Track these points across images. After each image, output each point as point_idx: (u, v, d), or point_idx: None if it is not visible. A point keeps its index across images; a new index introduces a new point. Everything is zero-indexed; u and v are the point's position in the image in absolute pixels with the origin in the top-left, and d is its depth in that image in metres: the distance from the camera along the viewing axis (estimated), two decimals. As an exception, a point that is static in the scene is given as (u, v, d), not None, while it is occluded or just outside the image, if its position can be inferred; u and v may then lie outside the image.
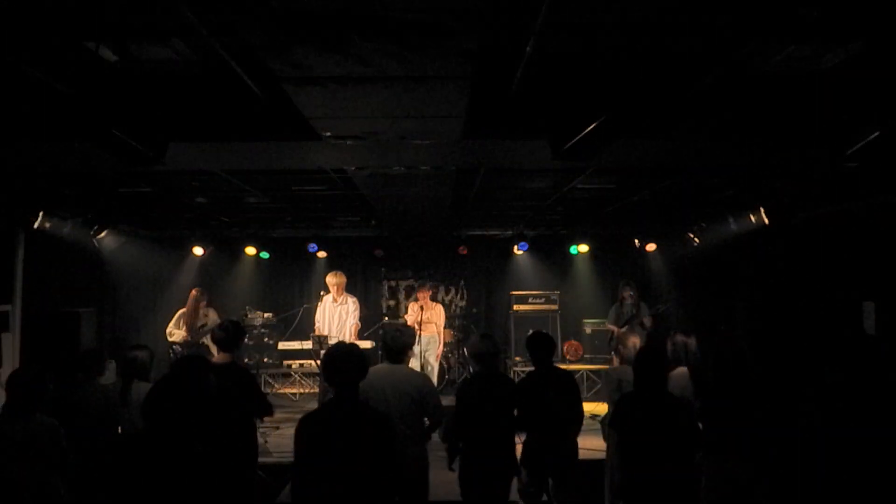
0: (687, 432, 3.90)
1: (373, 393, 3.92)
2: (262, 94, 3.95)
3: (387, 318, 11.05)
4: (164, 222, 9.20)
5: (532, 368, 4.73)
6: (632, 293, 8.77)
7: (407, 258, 11.64)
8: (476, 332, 9.17)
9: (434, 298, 10.09)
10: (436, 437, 4.53)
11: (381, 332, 10.31)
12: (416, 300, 9.20)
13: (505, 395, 4.45)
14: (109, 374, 6.24)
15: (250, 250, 10.13)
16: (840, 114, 3.71)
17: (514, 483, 4.54)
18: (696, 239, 9.10)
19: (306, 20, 2.57)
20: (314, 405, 8.49)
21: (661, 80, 3.81)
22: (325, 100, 3.47)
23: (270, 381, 10.13)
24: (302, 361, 9.46)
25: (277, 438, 7.13)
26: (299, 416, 3.16)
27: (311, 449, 2.99)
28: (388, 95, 3.43)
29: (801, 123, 4.21)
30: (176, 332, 8.12)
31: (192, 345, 7.91)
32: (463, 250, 11.16)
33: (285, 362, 9.65)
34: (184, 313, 8.25)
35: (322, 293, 8.70)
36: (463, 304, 11.73)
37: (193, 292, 8.44)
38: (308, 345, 8.90)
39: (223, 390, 3.85)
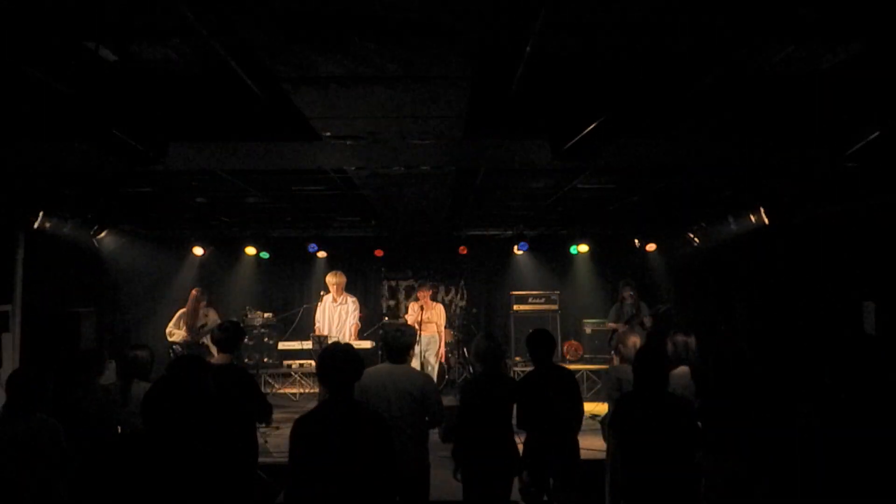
0: (687, 432, 3.90)
1: (374, 392, 3.93)
2: (262, 94, 3.95)
3: (387, 318, 11.05)
4: (164, 222, 9.20)
5: (532, 368, 4.73)
6: (632, 293, 8.77)
7: (407, 258, 11.65)
8: (476, 332, 9.17)
9: (434, 298, 10.09)
10: (436, 437, 4.53)
11: (381, 332, 10.33)
12: (417, 300, 9.20)
13: (507, 395, 4.45)
14: (109, 374, 6.24)
15: (250, 250, 10.13)
16: (840, 114, 3.71)
17: (516, 483, 4.54)
18: (696, 239, 9.10)
19: (306, 20, 2.57)
20: (314, 405, 8.48)
21: (661, 80, 3.81)
22: (325, 100, 3.47)
23: (270, 381, 10.13)
24: (302, 361, 9.47)
25: (277, 438, 7.13)
26: (305, 412, 3.15)
27: (306, 450, 2.97)
28: (388, 95, 3.43)
29: (801, 123, 4.20)
30: (176, 332, 8.13)
31: (192, 345, 7.92)
32: (463, 250, 11.16)
33: (285, 362, 9.65)
34: (184, 313, 8.26)
35: (322, 293, 8.71)
36: (463, 304, 11.73)
37: (193, 292, 8.45)
38: (308, 345, 8.91)
39: (222, 391, 3.86)
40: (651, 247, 10.00)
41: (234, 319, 4.73)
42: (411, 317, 8.88)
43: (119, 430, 4.52)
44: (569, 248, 10.74)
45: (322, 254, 10.20)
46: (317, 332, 8.45)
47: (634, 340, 4.92)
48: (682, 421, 3.88)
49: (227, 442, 3.82)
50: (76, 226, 7.90)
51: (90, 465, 4.00)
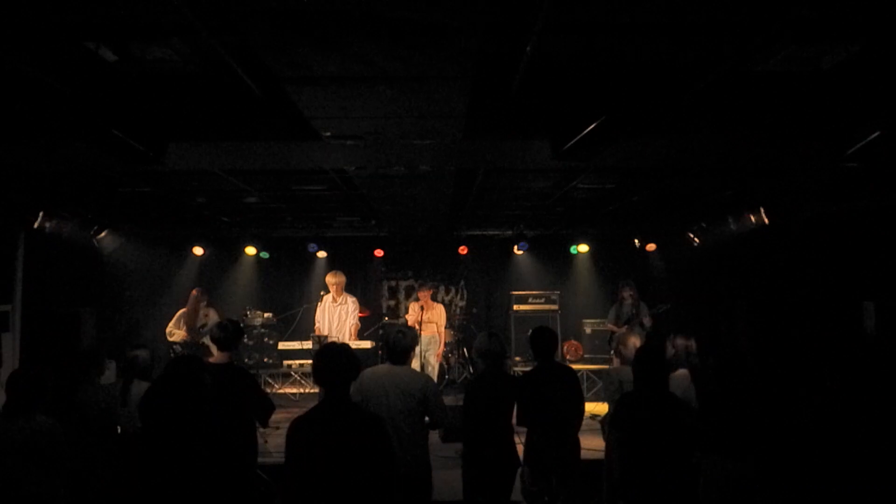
0: (686, 432, 3.91)
1: (373, 394, 3.92)
2: (262, 94, 3.95)
3: (387, 318, 11.06)
4: (164, 222, 9.20)
5: (530, 368, 4.72)
6: (632, 293, 8.76)
7: (407, 258, 11.65)
8: (476, 332, 9.17)
9: (434, 298, 10.09)
10: (436, 437, 4.52)
11: (381, 332, 10.33)
12: (417, 300, 9.20)
13: (510, 393, 4.45)
14: (109, 374, 6.25)
15: (250, 250, 10.13)
16: (840, 114, 3.70)
17: (517, 483, 4.53)
18: (696, 239, 9.10)
19: (306, 20, 2.57)
20: (314, 405, 8.47)
21: (661, 81, 3.82)
22: (325, 100, 3.47)
23: (270, 381, 10.13)
24: (302, 361, 9.46)
25: (277, 438, 7.12)
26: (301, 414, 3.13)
27: (302, 451, 2.93)
28: (388, 95, 3.43)
29: (801, 123, 4.20)
30: (176, 332, 8.13)
31: (192, 345, 7.91)
32: (463, 250, 11.16)
33: (285, 362, 9.65)
34: (184, 313, 8.26)
35: (322, 293, 8.71)
36: (463, 304, 11.73)
37: (194, 292, 8.45)
38: (308, 345, 8.90)
39: (221, 390, 3.86)
40: (651, 247, 9.99)
41: (234, 318, 4.72)
42: (411, 317, 8.88)
43: (119, 430, 4.52)
44: (569, 248, 10.74)
45: (322, 254, 10.20)
46: (317, 332, 8.45)
47: (634, 342, 4.92)
48: (681, 421, 3.89)
49: (225, 441, 3.82)
50: (76, 226, 7.90)
51: (90, 465, 4.01)
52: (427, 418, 4.13)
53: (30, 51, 3.37)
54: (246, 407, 4.32)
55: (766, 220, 7.09)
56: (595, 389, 9.33)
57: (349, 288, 8.70)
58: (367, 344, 8.42)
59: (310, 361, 9.16)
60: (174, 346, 7.96)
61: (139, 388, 4.44)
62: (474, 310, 11.52)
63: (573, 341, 10.23)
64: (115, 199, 7.26)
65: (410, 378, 4.06)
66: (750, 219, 7.44)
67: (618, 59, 3.40)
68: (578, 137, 3.32)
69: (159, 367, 4.90)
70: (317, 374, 3.11)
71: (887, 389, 4.92)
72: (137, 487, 2.41)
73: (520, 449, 4.48)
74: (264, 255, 10.38)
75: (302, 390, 9.88)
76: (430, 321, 8.73)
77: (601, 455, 4.77)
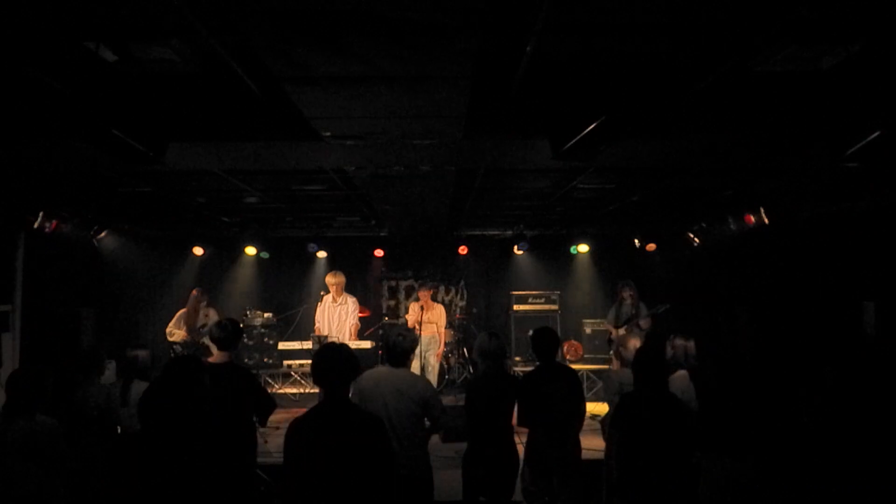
0: (686, 432, 3.91)
1: (372, 396, 3.91)
2: (262, 94, 3.95)
3: (387, 318, 11.06)
4: (164, 222, 9.20)
5: (530, 368, 4.72)
6: (631, 293, 8.77)
7: (407, 258, 11.65)
8: (477, 332, 9.17)
9: (434, 298, 10.10)
10: (436, 438, 4.52)
11: (381, 332, 10.33)
12: (417, 300, 9.20)
13: (511, 393, 4.45)
14: (109, 374, 6.25)
15: (250, 250, 10.13)
16: (840, 114, 3.70)
17: (518, 483, 4.53)
18: (696, 239, 9.10)
19: (306, 20, 2.57)
20: (314, 405, 8.48)
21: (661, 81, 3.81)
22: (325, 100, 3.47)
23: (270, 381, 10.13)
24: (302, 361, 9.47)
25: (277, 438, 7.12)
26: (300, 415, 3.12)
27: (300, 453, 2.91)
28: (388, 95, 3.43)
29: (801, 123, 4.20)
30: (176, 332, 8.13)
31: (192, 345, 7.92)
32: (463, 250, 11.16)
33: (285, 362, 9.65)
34: (184, 313, 8.26)
35: (322, 293, 8.71)
36: (463, 304, 11.73)
37: (194, 292, 8.46)
38: (308, 345, 8.90)
39: (221, 389, 3.86)
40: (651, 247, 9.99)
41: (233, 318, 4.72)
42: (412, 317, 8.87)
43: (119, 430, 4.52)
44: (569, 248, 10.74)
45: (322, 254, 10.20)
46: (317, 332, 8.45)
47: (635, 344, 4.92)
48: (681, 421, 3.89)
49: (224, 441, 3.82)
50: (76, 226, 7.90)
51: (90, 465, 4.01)
52: (427, 421, 4.13)
53: (30, 51, 3.37)
54: (245, 407, 4.32)
55: (766, 220, 7.09)
56: (595, 389, 9.33)
57: (349, 288, 8.70)
58: (367, 344, 8.42)
59: (310, 361, 9.18)
60: (174, 346, 7.97)
61: (139, 388, 4.44)
62: (474, 310, 11.52)
63: (573, 341, 10.23)
64: (115, 199, 7.26)
65: (409, 381, 4.06)
66: (749, 219, 7.44)
67: (618, 59, 3.40)
68: (578, 137, 3.32)
69: (159, 367, 4.90)
70: (316, 375, 3.09)
71: (887, 389, 4.92)
72: (137, 487, 2.40)
73: (520, 449, 4.47)
74: (264, 255, 10.38)
75: (302, 390, 9.88)
76: (430, 321, 8.73)
77: (601, 455, 4.77)
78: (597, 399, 8.57)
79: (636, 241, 10.05)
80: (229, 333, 4.44)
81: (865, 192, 5.61)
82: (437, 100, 3.50)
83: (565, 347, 10.07)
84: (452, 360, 10.19)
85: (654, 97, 3.92)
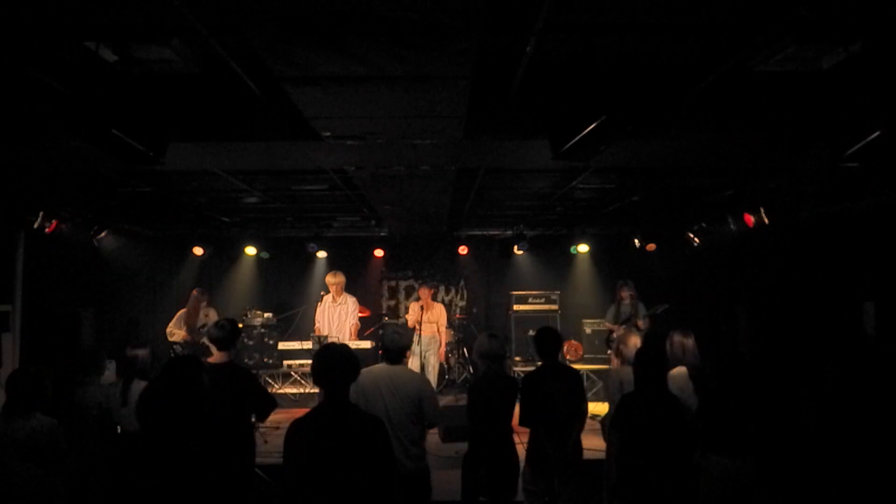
0: (686, 432, 3.91)
1: (370, 393, 3.92)
2: (262, 94, 3.95)
3: (387, 318, 11.06)
4: (164, 222, 9.21)
5: (531, 368, 4.72)
6: (631, 293, 8.77)
7: (407, 258, 11.65)
8: (476, 332, 9.17)
9: (434, 298, 10.10)
10: (436, 437, 4.52)
11: (380, 332, 10.32)
12: (418, 300, 9.20)
13: (511, 394, 4.45)
14: (109, 374, 6.26)
15: (250, 250, 10.13)
16: (840, 114, 3.70)
17: (520, 483, 4.53)
18: (696, 239, 9.10)
19: (306, 20, 2.57)
20: (314, 405, 8.48)
21: (661, 81, 3.81)
22: (325, 100, 3.46)
23: (270, 381, 10.13)
24: (302, 361, 9.47)
25: (277, 439, 7.12)
26: (300, 415, 3.11)
27: (300, 454, 2.90)
28: (388, 95, 3.43)
29: (801, 123, 4.20)
30: (176, 332, 8.13)
31: (192, 345, 7.92)
32: (463, 250, 11.16)
33: (285, 362, 9.65)
34: (184, 313, 8.26)
35: (322, 293, 8.71)
36: (463, 304, 11.73)
37: (194, 292, 8.46)
38: (308, 345, 8.91)
39: (220, 389, 3.86)
40: (651, 247, 9.99)
41: (231, 317, 4.71)
42: (412, 317, 8.88)
43: (119, 430, 4.52)
44: (569, 248, 10.74)
45: (322, 254, 10.20)
46: (317, 332, 8.46)
47: (635, 342, 4.92)
48: (681, 421, 3.89)
49: (223, 441, 3.81)
50: (76, 226, 7.91)
51: (90, 465, 4.01)
52: (425, 420, 4.14)
53: (30, 51, 3.37)
54: (245, 407, 4.32)
55: (766, 220, 7.09)
56: (595, 389, 9.33)
57: (349, 288, 8.71)
58: (366, 344, 8.42)
59: (310, 361, 9.19)
60: (174, 346, 7.97)
61: (139, 387, 4.44)
62: (474, 310, 11.52)
63: (573, 341, 10.23)
64: (115, 199, 7.26)
65: (407, 378, 4.07)
66: (749, 219, 7.44)
67: (618, 59, 3.40)
68: (578, 137, 3.31)
69: (159, 366, 4.89)
70: (316, 376, 3.08)
71: (887, 389, 4.92)
72: (137, 487, 2.40)
73: (520, 449, 4.47)
74: (264, 255, 10.38)
75: (302, 390, 9.88)
76: (431, 321, 8.73)
77: (601, 455, 4.77)
78: (597, 399, 8.57)
79: (636, 241, 10.05)
80: (227, 333, 4.44)
81: (865, 192, 5.60)
82: (437, 100, 3.50)
83: (565, 347, 10.07)
84: (452, 360, 10.19)
85: (654, 97, 3.92)
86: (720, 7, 2.97)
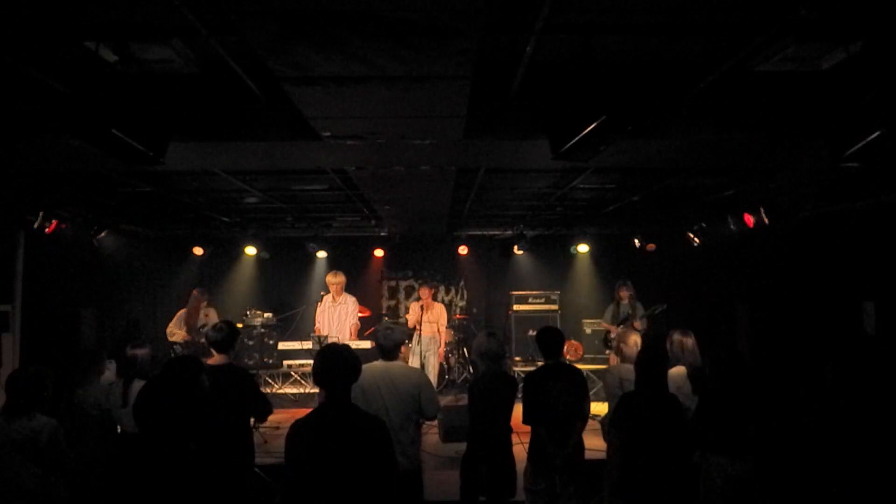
0: (685, 432, 3.91)
1: (369, 390, 3.92)
2: (262, 94, 3.95)
3: (387, 318, 11.06)
4: (164, 222, 9.21)
5: (531, 368, 4.72)
6: (630, 293, 8.77)
7: (407, 258, 11.66)
8: (476, 332, 9.17)
9: (434, 298, 10.11)
10: (436, 437, 4.52)
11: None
12: (418, 300, 9.20)
13: (510, 394, 4.45)
14: (109, 374, 6.24)
15: (250, 250, 10.14)
16: (840, 114, 3.70)
17: (521, 481, 4.53)
18: (696, 239, 9.10)
19: (306, 20, 2.57)
20: (314, 405, 8.49)
21: (661, 81, 3.81)
22: (325, 100, 3.46)
23: (270, 381, 10.13)
24: (302, 361, 9.48)
25: (277, 439, 7.12)
26: (300, 415, 3.11)
27: (302, 456, 2.89)
28: (388, 95, 3.43)
29: (801, 123, 4.21)
30: (177, 332, 8.13)
31: (192, 345, 7.92)
32: (463, 250, 11.17)
33: (285, 362, 9.66)
34: (184, 313, 8.26)
35: (322, 293, 8.71)
36: (463, 304, 11.74)
37: (194, 292, 8.47)
38: (308, 345, 8.91)
39: (219, 391, 3.86)
40: (651, 247, 9.99)
41: (228, 319, 4.71)
42: (412, 316, 8.88)
43: (119, 430, 4.52)
44: (569, 248, 10.75)
45: (322, 254, 10.21)
46: (317, 332, 8.46)
47: (636, 340, 4.93)
48: (681, 421, 3.90)
49: (222, 442, 3.81)
50: (76, 226, 7.91)
51: (90, 465, 4.01)
52: (422, 413, 4.15)
53: (30, 51, 3.37)
54: (244, 407, 4.32)
55: (766, 220, 7.08)
56: (595, 389, 9.33)
57: (349, 288, 8.71)
58: (367, 344, 8.41)
59: (309, 361, 9.22)
60: (175, 346, 7.97)
61: (139, 388, 4.42)
62: (474, 310, 11.53)
63: (573, 341, 10.23)
64: (115, 199, 7.26)
65: (405, 373, 4.07)
66: (749, 219, 7.44)
67: (618, 59, 3.40)
68: (578, 137, 3.31)
69: (159, 366, 4.88)
70: (317, 376, 3.06)
71: (887, 390, 4.92)
72: (137, 487, 2.40)
73: (520, 449, 4.47)
74: (264, 255, 10.38)
75: (302, 390, 9.89)
76: (431, 321, 8.73)
77: (602, 455, 4.77)
78: (597, 399, 8.58)
79: (636, 241, 10.05)
80: (226, 336, 4.43)
81: (865, 192, 5.60)
82: (437, 100, 3.50)
83: (565, 347, 10.08)
84: (452, 360, 10.19)
85: (654, 97, 3.92)
86: (720, 7, 2.97)
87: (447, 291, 11.79)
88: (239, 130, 4.28)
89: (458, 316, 10.95)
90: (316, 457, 2.86)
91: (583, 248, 10.60)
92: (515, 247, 9.94)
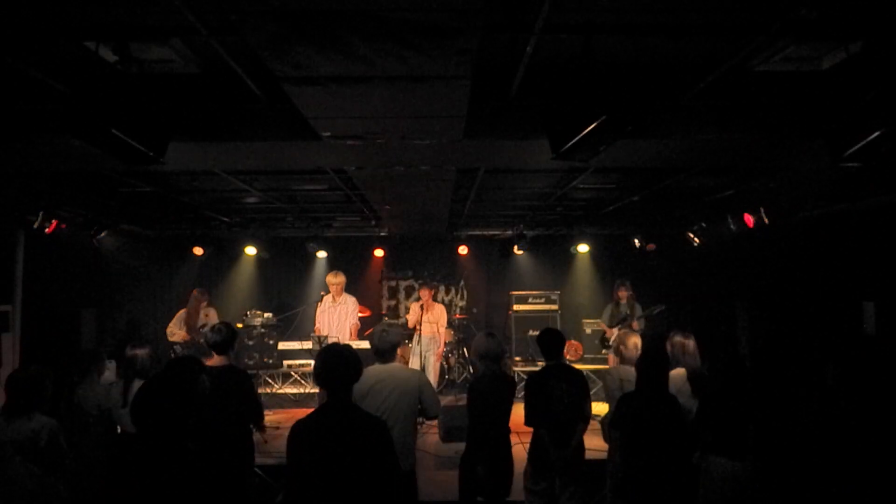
0: (685, 433, 3.91)
1: (369, 394, 3.91)
2: (262, 94, 3.95)
3: (387, 318, 11.05)
4: (164, 222, 9.21)
5: (531, 368, 4.72)
6: (629, 293, 8.77)
7: (407, 258, 11.66)
8: (476, 332, 9.16)
9: (434, 298, 10.11)
10: (435, 437, 4.52)
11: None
12: (418, 300, 9.20)
13: (509, 394, 4.45)
14: (109, 374, 6.25)
15: (250, 250, 10.14)
16: (840, 114, 3.70)
17: (520, 481, 4.53)
18: (696, 239, 9.10)
19: (306, 20, 2.57)
20: (314, 405, 8.48)
21: (661, 81, 3.81)
22: (325, 100, 3.46)
23: (270, 381, 10.14)
24: (302, 361, 9.47)
25: (277, 439, 7.12)
26: (300, 415, 3.11)
27: (304, 456, 2.90)
28: (388, 95, 3.43)
29: (801, 123, 4.21)
30: (177, 332, 8.14)
31: (192, 345, 7.92)
32: (463, 250, 11.16)
33: (285, 362, 9.65)
34: (184, 313, 8.27)
35: (322, 293, 8.71)
36: (463, 304, 11.73)
37: (194, 292, 8.47)
38: (308, 345, 8.91)
39: (219, 392, 3.86)
40: (651, 247, 9.99)
41: (227, 321, 4.71)
42: (412, 317, 8.88)
43: (119, 430, 4.52)
44: (569, 248, 10.74)
45: (322, 254, 10.21)
46: (317, 332, 8.46)
47: (636, 341, 4.92)
48: (681, 422, 3.90)
49: (221, 442, 3.81)
50: (76, 226, 7.91)
51: (90, 465, 4.00)
52: (421, 412, 4.15)
53: (30, 51, 3.37)
54: (244, 408, 4.32)
55: (766, 220, 7.09)
56: (595, 389, 9.33)
57: (349, 288, 8.71)
58: (367, 344, 8.41)
59: (310, 361, 9.22)
60: (175, 346, 7.98)
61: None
62: (474, 310, 11.52)
63: (573, 341, 10.23)
64: (115, 199, 7.26)
65: (405, 375, 4.07)
66: (748, 219, 7.44)
67: (618, 59, 3.40)
68: (578, 137, 3.31)
69: (160, 366, 4.88)
70: (319, 376, 3.06)
71: (887, 389, 4.92)
72: (136, 488, 2.40)
73: (520, 449, 4.47)
74: (264, 255, 10.38)
75: (302, 390, 9.88)
76: (431, 321, 8.73)
77: (602, 455, 4.77)
78: (597, 399, 8.58)
79: (636, 241, 10.05)
80: (225, 337, 4.42)
81: (865, 192, 5.60)
82: (437, 100, 3.50)
83: (565, 348, 10.07)
84: (452, 360, 10.19)
85: (654, 97, 3.92)
86: (720, 7, 2.97)
87: (447, 291, 11.79)
88: (239, 130, 4.28)
89: (457, 316, 10.94)
90: (318, 456, 2.86)
91: (583, 248, 10.59)
92: (515, 247, 9.93)
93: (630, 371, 4.40)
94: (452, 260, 11.54)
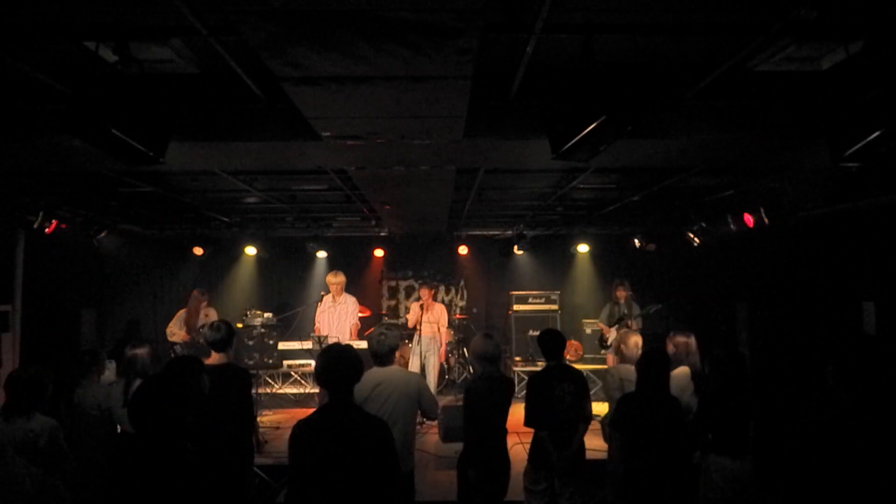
0: (686, 432, 3.91)
1: (370, 398, 3.91)
2: (262, 94, 3.95)
3: (387, 318, 11.05)
4: (164, 222, 9.21)
5: (531, 368, 4.72)
6: (627, 293, 8.77)
7: (407, 258, 11.66)
8: (476, 332, 9.16)
9: (434, 298, 10.11)
10: (435, 437, 4.51)
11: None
12: (419, 299, 9.20)
13: (506, 395, 4.44)
14: (109, 374, 6.25)
15: (250, 250, 10.14)
16: (840, 114, 3.71)
17: (519, 481, 4.53)
18: (696, 239, 9.10)
19: (306, 20, 2.57)
20: (314, 405, 8.49)
21: (661, 81, 3.82)
22: (325, 100, 3.46)
23: (270, 381, 10.14)
24: (302, 361, 9.47)
25: (277, 439, 7.13)
26: (300, 415, 3.10)
27: (306, 456, 2.89)
28: (388, 95, 3.43)
29: (801, 123, 4.21)
30: (177, 332, 8.14)
31: (192, 345, 7.92)
32: (463, 250, 11.16)
33: (285, 362, 9.64)
34: (184, 313, 8.26)
35: (322, 293, 8.71)
36: (463, 304, 11.74)
37: (194, 292, 8.47)
38: (308, 345, 8.91)
39: (218, 391, 3.86)
40: (651, 247, 9.99)
41: (226, 319, 4.70)
42: (412, 317, 8.88)
43: (119, 430, 4.52)
44: (569, 248, 10.74)
45: (322, 254, 10.21)
46: (317, 332, 8.46)
47: (636, 341, 4.92)
48: (681, 421, 3.90)
49: (220, 441, 3.81)
50: (76, 226, 7.91)
51: (90, 465, 4.00)
52: (422, 414, 4.14)
53: (30, 51, 3.37)
54: (243, 407, 4.32)
55: (766, 220, 7.09)
56: (595, 389, 9.34)
57: (349, 288, 8.71)
58: (366, 344, 8.41)
59: (310, 361, 9.22)
60: (175, 347, 7.97)
61: (140, 388, 4.44)
62: (474, 310, 11.52)
63: (573, 341, 10.23)
64: (115, 199, 7.27)
65: (404, 378, 4.07)
66: (748, 219, 7.44)
67: (618, 59, 3.40)
68: (578, 137, 3.31)
69: (160, 366, 4.88)
70: (320, 376, 3.05)
71: (888, 390, 4.92)
72: (136, 488, 2.40)
73: (519, 450, 4.47)
74: (264, 255, 10.39)
75: (302, 390, 9.89)
76: (431, 321, 8.73)
77: (602, 455, 4.78)
78: (597, 399, 8.58)
79: (636, 241, 10.06)
80: (224, 335, 4.42)
81: (865, 192, 5.60)
82: (436, 100, 3.50)
83: (565, 348, 10.07)
84: (452, 360, 10.19)
85: (654, 97, 3.92)
86: (720, 7, 2.97)
87: (447, 291, 11.79)
88: (239, 130, 4.28)
89: (458, 316, 10.94)
90: (319, 457, 2.86)
91: (583, 248, 10.60)
92: (515, 247, 9.93)
93: (630, 371, 4.40)
94: (452, 260, 11.55)
